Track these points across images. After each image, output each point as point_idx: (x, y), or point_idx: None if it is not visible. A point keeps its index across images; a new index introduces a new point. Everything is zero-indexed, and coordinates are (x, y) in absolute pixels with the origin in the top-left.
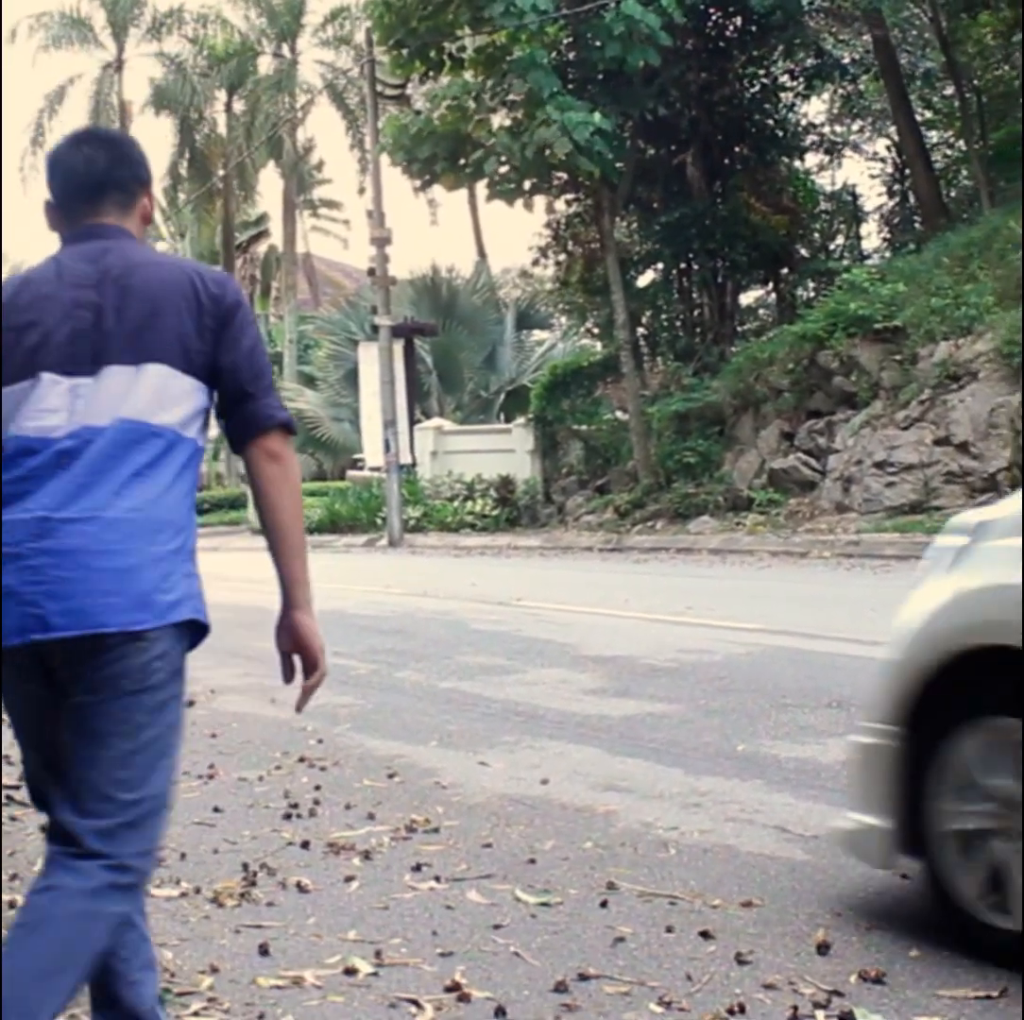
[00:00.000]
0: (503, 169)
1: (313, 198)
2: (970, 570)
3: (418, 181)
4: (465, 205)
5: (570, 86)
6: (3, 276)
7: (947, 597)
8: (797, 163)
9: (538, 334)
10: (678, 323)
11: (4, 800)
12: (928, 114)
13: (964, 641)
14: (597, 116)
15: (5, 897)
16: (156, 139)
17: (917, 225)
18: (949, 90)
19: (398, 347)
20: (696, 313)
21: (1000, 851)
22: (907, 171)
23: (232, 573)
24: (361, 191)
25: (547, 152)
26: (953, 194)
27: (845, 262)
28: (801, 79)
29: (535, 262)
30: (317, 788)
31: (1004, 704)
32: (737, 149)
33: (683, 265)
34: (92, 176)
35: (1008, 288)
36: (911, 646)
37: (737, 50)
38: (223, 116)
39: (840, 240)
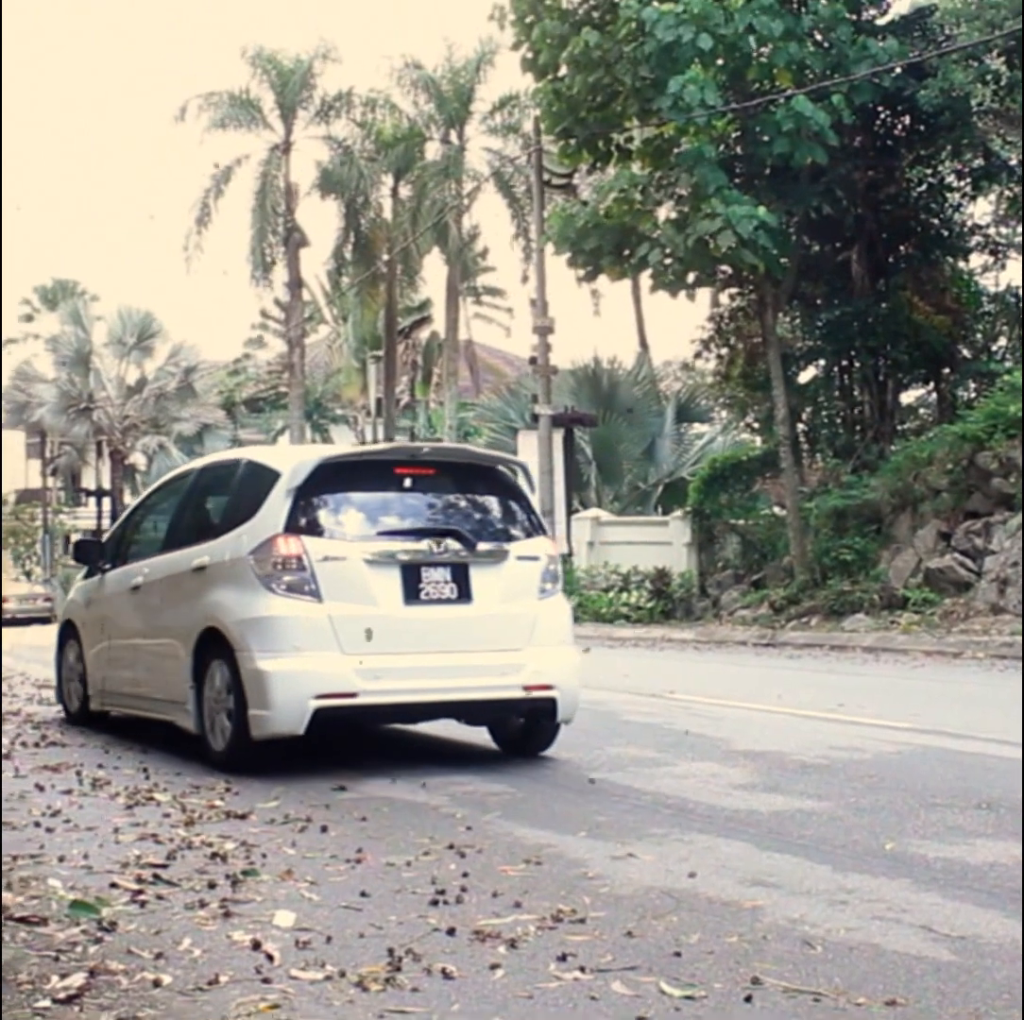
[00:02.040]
0: (667, 261)
1: (477, 285)
2: (75, 588)
3: (582, 272)
4: (628, 295)
5: (736, 180)
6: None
7: (68, 597)
8: (961, 263)
9: (698, 427)
10: (838, 420)
11: (151, 878)
12: None
13: (66, 615)
14: (762, 210)
15: (151, 975)
16: (321, 222)
17: None
18: None
19: (558, 437)
20: (856, 410)
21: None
22: None
23: None
24: (525, 279)
25: (710, 245)
26: None
27: (1007, 364)
28: (968, 179)
29: (697, 355)
30: (464, 875)
31: (72, 636)
32: (901, 248)
33: (845, 362)
34: None
35: None
36: (62, 612)
37: (904, 149)
38: (389, 201)
39: (1002, 342)
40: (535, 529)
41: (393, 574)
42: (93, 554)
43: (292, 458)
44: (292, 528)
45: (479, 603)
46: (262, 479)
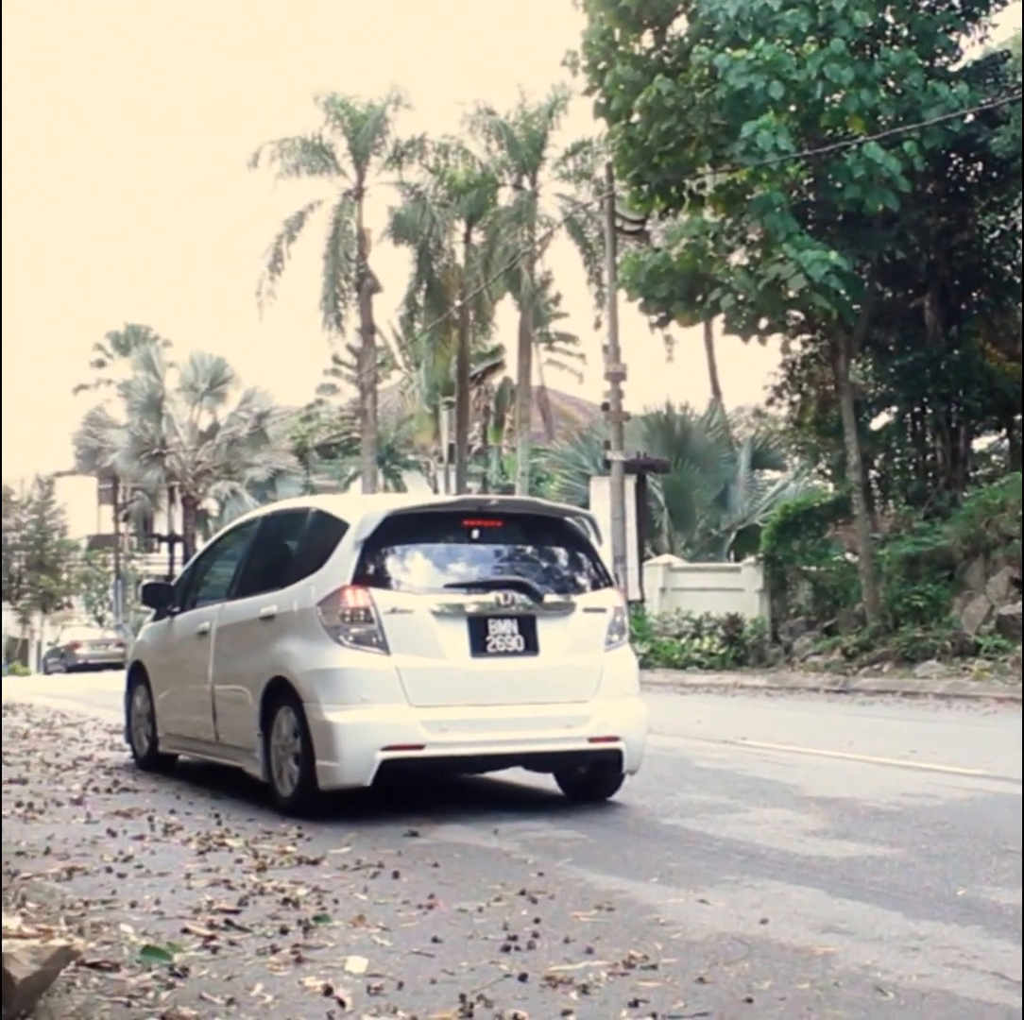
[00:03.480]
0: (739, 305)
1: (549, 331)
2: (144, 631)
3: (654, 318)
4: (701, 342)
5: (809, 226)
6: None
7: (137, 638)
8: None
9: (770, 474)
10: (910, 466)
11: (223, 923)
12: None
13: (135, 657)
14: (833, 254)
15: None
16: (394, 268)
17: None
18: None
19: (630, 483)
20: (929, 457)
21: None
22: None
23: None
24: (597, 325)
25: (782, 289)
26: None
27: None
28: None
29: (769, 402)
30: (536, 921)
31: (141, 680)
32: (974, 294)
33: (917, 408)
34: None
35: None
36: (131, 655)
37: (977, 195)
38: (461, 247)
39: None
40: (602, 580)
41: (460, 626)
42: (161, 597)
43: (360, 509)
44: (360, 580)
45: (545, 655)
46: (330, 529)
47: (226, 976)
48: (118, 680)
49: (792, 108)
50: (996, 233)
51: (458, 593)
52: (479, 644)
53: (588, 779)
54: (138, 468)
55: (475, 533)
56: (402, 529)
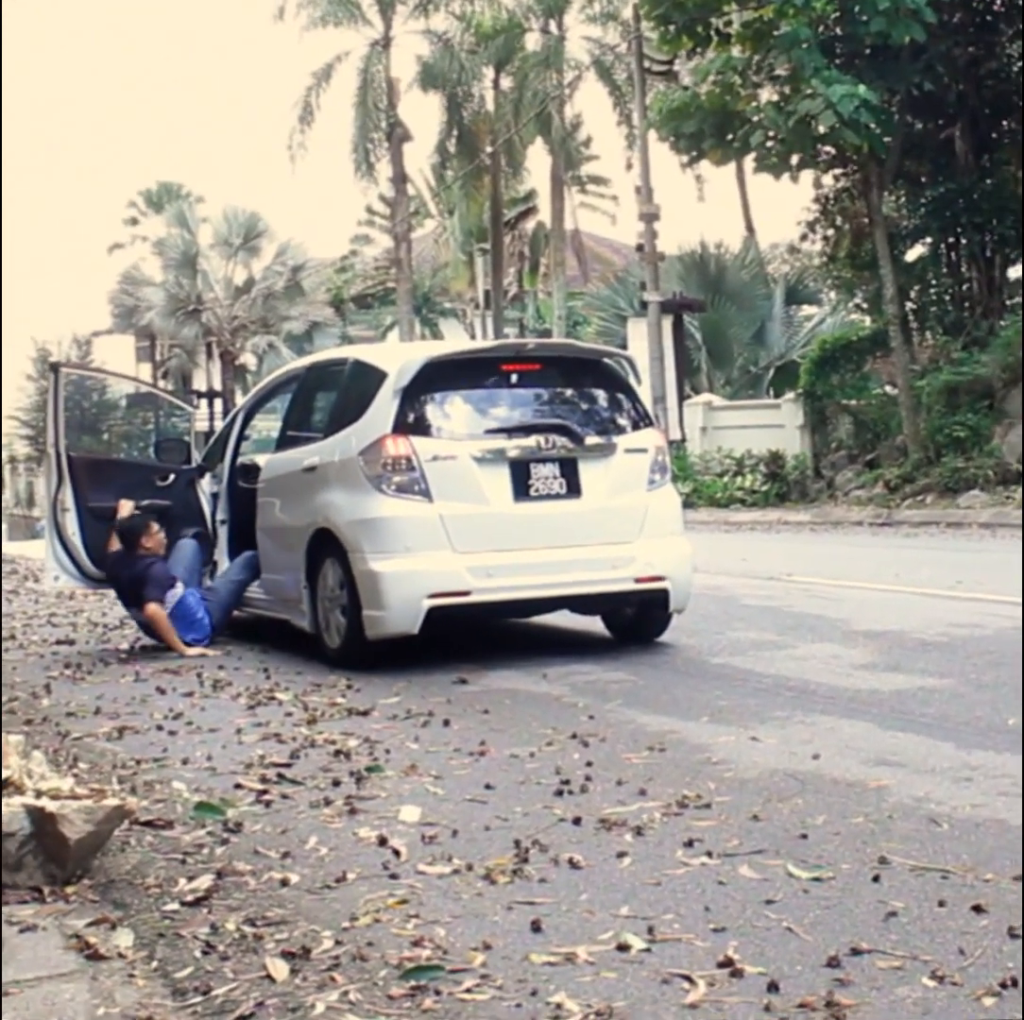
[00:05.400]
0: (769, 143)
1: (581, 174)
2: None
3: (685, 157)
4: (733, 180)
5: (837, 61)
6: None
7: None
8: None
9: (807, 309)
10: (947, 297)
11: (275, 777)
12: None
13: None
14: (862, 88)
15: (278, 875)
16: (423, 117)
17: None
18: None
19: (667, 323)
20: (964, 287)
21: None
22: None
23: None
24: (629, 167)
25: (812, 125)
26: None
27: None
28: None
29: (803, 237)
30: (588, 764)
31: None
32: (1005, 123)
33: (951, 239)
34: None
35: None
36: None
37: (1004, 24)
38: (490, 93)
39: None
40: (642, 420)
41: (502, 471)
42: (177, 454)
43: (399, 357)
44: (400, 428)
45: (588, 497)
46: (369, 379)
47: (280, 830)
48: None
49: None
50: None
51: (499, 438)
52: (522, 488)
53: (635, 620)
54: (175, 325)
55: (514, 377)
56: (441, 376)
